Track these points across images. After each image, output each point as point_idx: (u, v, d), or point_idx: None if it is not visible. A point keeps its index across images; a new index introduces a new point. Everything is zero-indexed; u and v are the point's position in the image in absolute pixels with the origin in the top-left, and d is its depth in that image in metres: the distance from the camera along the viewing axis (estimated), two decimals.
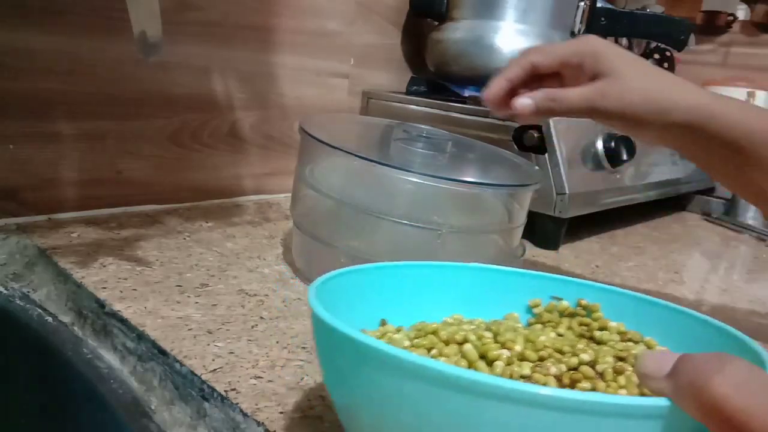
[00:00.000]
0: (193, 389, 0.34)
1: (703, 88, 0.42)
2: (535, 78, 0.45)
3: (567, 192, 0.66)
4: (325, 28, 0.80)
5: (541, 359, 0.26)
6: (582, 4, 0.86)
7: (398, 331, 0.30)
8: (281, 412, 0.31)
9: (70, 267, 0.47)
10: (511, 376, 0.25)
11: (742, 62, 1.56)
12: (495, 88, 0.45)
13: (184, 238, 0.57)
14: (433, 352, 0.27)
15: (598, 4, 0.86)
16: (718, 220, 1.03)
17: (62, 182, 0.58)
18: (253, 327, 0.41)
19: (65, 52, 0.56)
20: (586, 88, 0.42)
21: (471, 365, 0.26)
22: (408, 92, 0.89)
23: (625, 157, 0.72)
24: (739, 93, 1.41)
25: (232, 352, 0.37)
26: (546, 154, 0.67)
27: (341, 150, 0.46)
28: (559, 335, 0.31)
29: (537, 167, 0.57)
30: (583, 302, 0.33)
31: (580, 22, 0.86)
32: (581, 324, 0.32)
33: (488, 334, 0.28)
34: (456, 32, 0.84)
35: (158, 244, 0.54)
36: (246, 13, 0.70)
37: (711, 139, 0.41)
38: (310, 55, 0.79)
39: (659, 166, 0.89)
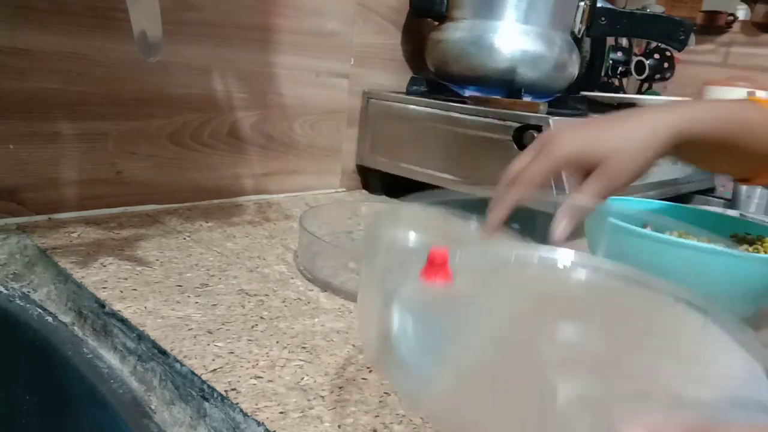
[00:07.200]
0: (193, 389, 0.34)
1: (665, 109, 0.46)
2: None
3: (567, 192, 0.66)
4: (325, 28, 0.80)
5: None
6: (582, 4, 0.86)
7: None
8: (281, 412, 0.31)
9: (70, 267, 0.47)
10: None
11: (742, 62, 1.56)
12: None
13: (184, 238, 0.57)
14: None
15: (598, 4, 0.86)
16: None
17: (62, 182, 0.58)
18: (253, 327, 0.41)
19: (65, 52, 0.56)
20: (594, 185, 0.43)
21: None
22: (408, 92, 0.89)
23: None
24: (739, 93, 1.41)
25: (232, 352, 0.37)
26: None
27: None
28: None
29: None
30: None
31: (581, 22, 0.86)
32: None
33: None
34: (456, 32, 0.84)
35: (158, 244, 0.54)
36: (246, 13, 0.70)
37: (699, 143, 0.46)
38: (310, 55, 0.79)
39: (659, 166, 0.89)
